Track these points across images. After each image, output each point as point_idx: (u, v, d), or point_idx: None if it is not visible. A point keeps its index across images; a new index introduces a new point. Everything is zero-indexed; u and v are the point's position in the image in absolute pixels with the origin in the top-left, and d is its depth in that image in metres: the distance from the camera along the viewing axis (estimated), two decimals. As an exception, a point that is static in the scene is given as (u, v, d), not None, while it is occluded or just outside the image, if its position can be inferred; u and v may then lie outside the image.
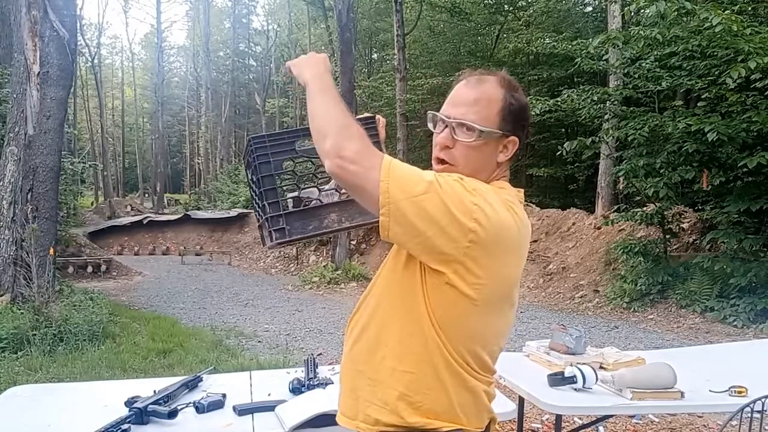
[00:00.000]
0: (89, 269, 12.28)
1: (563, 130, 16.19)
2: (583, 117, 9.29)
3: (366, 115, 1.53)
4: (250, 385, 2.13)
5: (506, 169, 1.27)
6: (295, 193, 1.46)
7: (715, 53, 7.26)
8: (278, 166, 1.45)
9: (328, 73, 1.26)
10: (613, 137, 9.43)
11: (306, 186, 1.47)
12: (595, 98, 8.88)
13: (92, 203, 29.56)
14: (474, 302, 1.13)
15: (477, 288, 1.12)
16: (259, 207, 1.50)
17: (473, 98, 1.20)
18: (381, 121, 1.53)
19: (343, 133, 1.10)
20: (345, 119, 1.13)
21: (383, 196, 1.06)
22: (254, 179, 1.46)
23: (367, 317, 1.25)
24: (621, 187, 10.19)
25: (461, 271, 1.10)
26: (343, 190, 1.42)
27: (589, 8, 18.61)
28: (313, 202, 1.44)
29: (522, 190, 1.27)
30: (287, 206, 1.44)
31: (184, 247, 17.70)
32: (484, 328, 1.18)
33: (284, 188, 1.47)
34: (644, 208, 9.15)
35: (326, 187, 1.47)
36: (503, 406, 1.89)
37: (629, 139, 8.25)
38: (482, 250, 1.10)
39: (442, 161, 1.22)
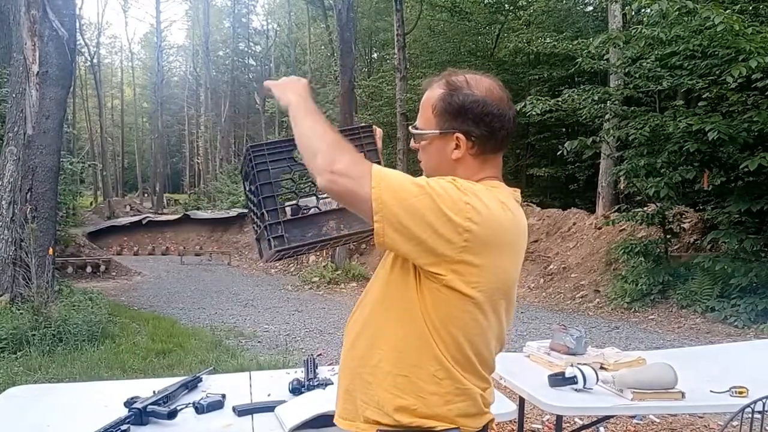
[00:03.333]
0: (88, 269, 12.28)
1: (564, 129, 16.19)
2: (583, 117, 9.28)
3: (364, 124, 1.52)
4: (250, 386, 2.12)
5: (490, 167, 1.24)
6: (294, 202, 1.44)
7: (716, 53, 7.25)
8: (276, 175, 1.43)
9: (310, 98, 1.28)
10: (614, 137, 9.43)
11: (304, 195, 1.46)
12: (596, 98, 8.87)
13: (91, 203, 29.57)
14: (472, 302, 1.14)
15: (475, 287, 1.12)
16: (257, 217, 1.47)
17: (420, 105, 1.28)
18: (378, 131, 1.56)
19: (334, 148, 1.13)
20: (334, 135, 1.16)
21: (376, 203, 1.07)
22: (252, 189, 1.45)
23: (362, 321, 1.26)
24: (622, 187, 10.17)
25: (459, 271, 1.11)
26: None
27: (590, 8, 18.59)
28: (312, 209, 1.43)
29: (518, 190, 1.27)
30: (286, 214, 1.42)
31: (184, 248, 17.72)
32: (482, 329, 1.18)
33: (283, 197, 1.45)
34: (645, 208, 9.14)
35: (324, 195, 1.46)
36: (504, 407, 1.89)
37: (630, 138, 8.24)
38: (478, 248, 1.11)
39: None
